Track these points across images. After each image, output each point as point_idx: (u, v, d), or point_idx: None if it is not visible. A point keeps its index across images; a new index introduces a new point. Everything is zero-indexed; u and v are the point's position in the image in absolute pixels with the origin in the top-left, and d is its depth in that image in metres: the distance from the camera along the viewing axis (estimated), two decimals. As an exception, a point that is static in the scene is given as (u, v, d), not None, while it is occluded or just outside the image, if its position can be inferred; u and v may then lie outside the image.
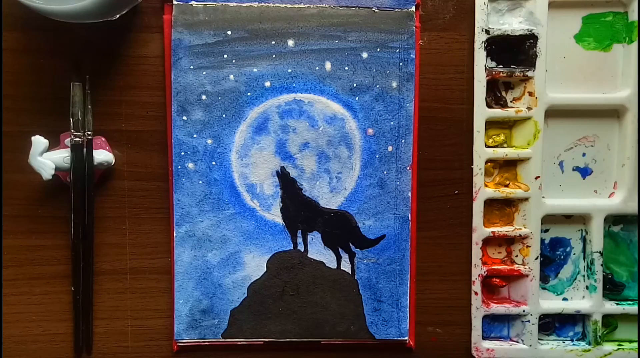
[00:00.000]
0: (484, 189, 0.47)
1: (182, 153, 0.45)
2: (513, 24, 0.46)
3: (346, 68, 0.45)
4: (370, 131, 0.46)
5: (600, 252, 0.48)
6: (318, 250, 0.47)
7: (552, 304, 0.48)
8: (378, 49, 0.45)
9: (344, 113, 0.46)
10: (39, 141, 0.42)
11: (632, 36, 0.46)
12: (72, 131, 0.43)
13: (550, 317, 0.49)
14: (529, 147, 0.47)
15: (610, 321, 0.49)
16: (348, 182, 0.46)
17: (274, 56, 0.45)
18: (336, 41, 0.45)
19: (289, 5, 0.45)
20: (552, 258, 0.49)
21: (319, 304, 0.47)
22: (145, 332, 0.47)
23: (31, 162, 0.42)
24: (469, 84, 0.46)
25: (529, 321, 0.48)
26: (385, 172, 0.46)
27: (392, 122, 0.46)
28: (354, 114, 0.46)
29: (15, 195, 0.46)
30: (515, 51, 0.47)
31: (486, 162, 0.47)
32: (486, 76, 0.46)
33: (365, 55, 0.45)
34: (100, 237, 0.46)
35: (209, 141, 0.45)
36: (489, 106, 0.47)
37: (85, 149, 0.44)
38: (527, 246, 0.47)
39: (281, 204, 0.46)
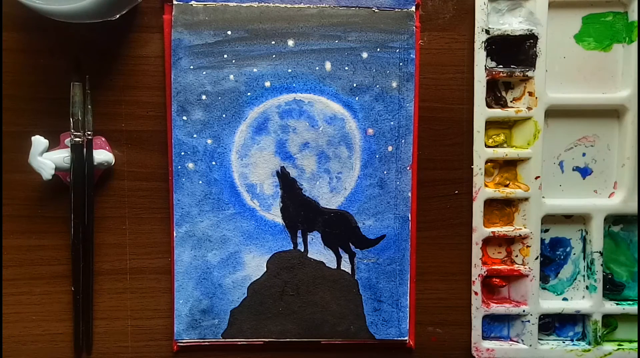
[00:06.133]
0: (484, 189, 0.47)
1: (182, 153, 0.45)
2: (513, 24, 0.46)
3: (346, 68, 0.45)
4: (370, 131, 0.46)
5: (600, 252, 0.48)
6: (318, 250, 0.46)
7: (552, 304, 0.48)
8: (378, 49, 0.45)
9: (344, 113, 0.46)
10: (39, 141, 0.42)
11: (632, 36, 0.46)
12: (72, 131, 0.43)
13: (550, 317, 0.49)
14: (529, 147, 0.47)
15: (610, 321, 0.49)
16: (348, 182, 0.46)
17: (274, 56, 0.45)
18: (336, 41, 0.45)
19: (289, 5, 0.45)
20: (552, 258, 0.49)
21: (318, 304, 0.47)
22: (145, 332, 0.47)
23: (31, 162, 0.42)
24: (469, 84, 0.46)
25: (529, 321, 0.47)
26: (385, 172, 0.46)
27: (392, 122, 0.46)
28: (354, 114, 0.46)
29: (15, 195, 0.46)
30: (515, 51, 0.47)
31: (486, 162, 0.47)
32: (486, 76, 0.46)
33: (365, 55, 0.45)
34: (100, 237, 0.46)
35: (209, 141, 0.45)
36: (489, 106, 0.47)
37: (85, 149, 0.44)
38: (527, 246, 0.47)
39: (281, 204, 0.46)
